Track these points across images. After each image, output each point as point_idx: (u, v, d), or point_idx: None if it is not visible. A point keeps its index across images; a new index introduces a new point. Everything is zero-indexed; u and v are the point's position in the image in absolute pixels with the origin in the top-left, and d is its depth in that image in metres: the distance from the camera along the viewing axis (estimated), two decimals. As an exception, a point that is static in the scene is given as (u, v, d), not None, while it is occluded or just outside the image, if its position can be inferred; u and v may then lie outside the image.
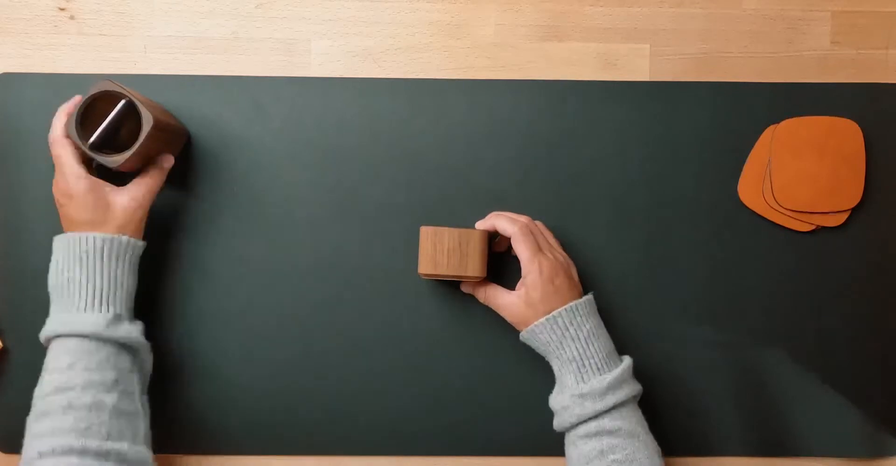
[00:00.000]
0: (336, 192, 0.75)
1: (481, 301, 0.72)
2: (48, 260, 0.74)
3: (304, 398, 0.74)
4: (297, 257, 0.75)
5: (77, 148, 0.66)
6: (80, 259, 0.64)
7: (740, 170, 0.76)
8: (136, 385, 0.65)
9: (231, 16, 0.76)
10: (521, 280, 0.69)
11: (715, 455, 0.75)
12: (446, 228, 0.69)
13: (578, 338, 0.67)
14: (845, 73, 0.78)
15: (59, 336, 0.63)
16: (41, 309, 0.74)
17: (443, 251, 0.69)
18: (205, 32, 0.76)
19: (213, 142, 0.75)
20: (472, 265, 0.69)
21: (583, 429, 0.65)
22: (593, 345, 0.67)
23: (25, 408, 0.73)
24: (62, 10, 0.76)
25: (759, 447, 0.75)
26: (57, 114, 0.67)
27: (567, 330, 0.67)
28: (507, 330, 0.72)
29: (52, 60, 0.76)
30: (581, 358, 0.66)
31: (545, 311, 0.67)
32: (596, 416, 0.65)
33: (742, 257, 0.76)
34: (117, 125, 0.67)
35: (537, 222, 0.73)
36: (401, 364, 0.75)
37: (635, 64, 0.77)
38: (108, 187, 0.67)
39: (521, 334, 0.70)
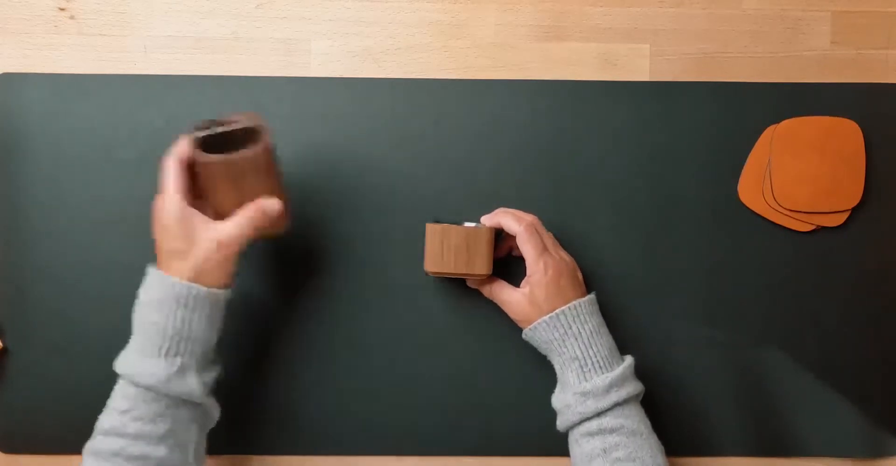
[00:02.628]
0: (336, 192, 0.75)
1: (486, 295, 0.72)
2: (48, 259, 0.74)
3: (304, 396, 0.74)
4: (298, 256, 0.75)
5: (186, 177, 0.63)
6: (159, 301, 0.61)
7: (740, 170, 0.76)
8: (193, 435, 0.63)
9: (231, 16, 0.76)
10: (526, 278, 0.69)
11: (715, 455, 0.75)
12: (453, 226, 0.69)
13: (580, 337, 0.67)
14: (845, 72, 0.78)
15: (121, 377, 0.61)
16: (41, 309, 0.74)
17: (450, 249, 0.68)
18: (205, 32, 0.76)
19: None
20: (479, 263, 0.69)
21: (585, 427, 0.65)
22: (595, 344, 0.67)
23: (26, 408, 0.74)
24: (62, 10, 0.76)
25: (759, 447, 0.75)
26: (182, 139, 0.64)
27: (569, 328, 0.67)
28: (510, 329, 0.72)
29: (52, 60, 0.76)
30: (583, 357, 0.66)
31: (548, 310, 0.67)
32: (598, 414, 0.65)
33: (742, 257, 0.76)
34: (236, 143, 0.64)
35: (536, 223, 0.73)
36: (402, 362, 0.75)
37: (635, 64, 0.77)
38: (199, 218, 0.62)
39: (523, 332, 0.70)
